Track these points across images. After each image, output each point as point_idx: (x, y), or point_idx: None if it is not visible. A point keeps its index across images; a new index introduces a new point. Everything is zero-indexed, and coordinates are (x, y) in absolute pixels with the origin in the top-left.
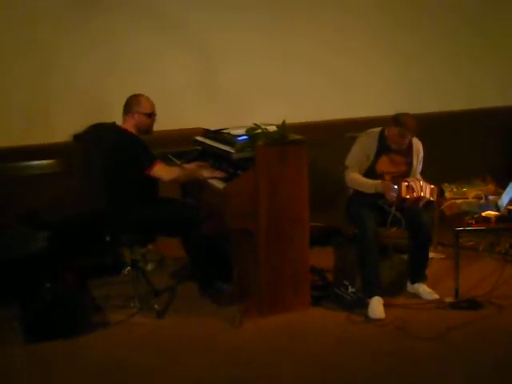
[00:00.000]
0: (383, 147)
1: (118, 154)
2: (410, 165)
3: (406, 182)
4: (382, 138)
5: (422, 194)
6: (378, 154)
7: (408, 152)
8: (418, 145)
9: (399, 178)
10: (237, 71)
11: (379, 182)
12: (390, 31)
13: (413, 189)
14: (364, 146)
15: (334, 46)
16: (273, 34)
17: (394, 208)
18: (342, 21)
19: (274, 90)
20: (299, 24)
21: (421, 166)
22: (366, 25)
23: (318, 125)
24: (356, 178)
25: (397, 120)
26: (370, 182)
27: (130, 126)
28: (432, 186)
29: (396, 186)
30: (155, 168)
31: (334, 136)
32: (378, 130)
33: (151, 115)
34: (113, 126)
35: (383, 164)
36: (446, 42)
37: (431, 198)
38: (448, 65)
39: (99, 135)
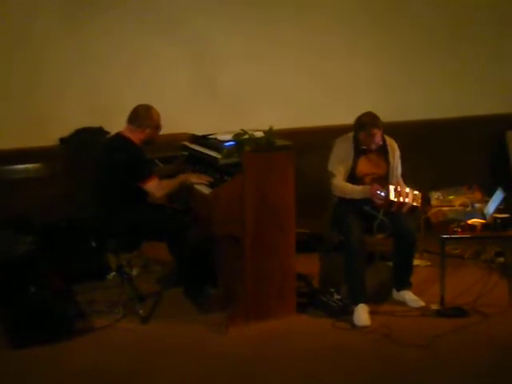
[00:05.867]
0: (360, 149)
1: (118, 161)
2: (388, 163)
3: (393, 186)
4: (356, 140)
5: (407, 200)
6: (356, 156)
7: (384, 150)
8: (391, 142)
9: (381, 180)
10: (226, 77)
11: (367, 186)
12: (378, 37)
13: (400, 193)
14: (342, 150)
15: (321, 51)
16: (259, 39)
17: (381, 212)
18: (329, 26)
19: (261, 96)
20: (285, 29)
21: (400, 167)
22: (355, 30)
23: (305, 131)
24: (342, 186)
25: (358, 125)
26: (358, 188)
27: (136, 137)
28: (416, 192)
29: (382, 192)
30: (149, 183)
31: (320, 142)
32: (350, 134)
33: (159, 127)
34: (116, 134)
35: (363, 165)
36: (434, 48)
37: (414, 204)
38: (436, 72)
39: (90, 140)
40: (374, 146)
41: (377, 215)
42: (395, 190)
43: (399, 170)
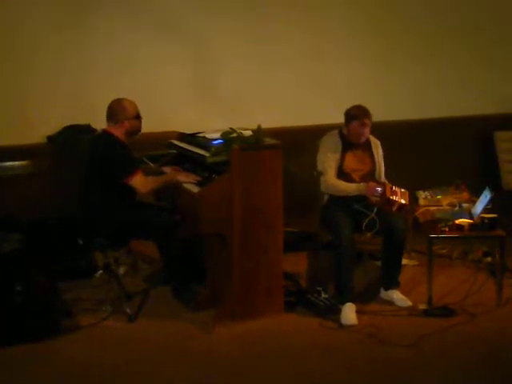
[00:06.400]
0: (346, 144)
1: (103, 158)
2: (373, 160)
3: (388, 184)
4: (342, 136)
5: (397, 198)
6: (343, 152)
7: (368, 147)
8: (375, 140)
9: (369, 177)
10: (215, 76)
11: (362, 184)
12: (369, 37)
13: (395, 192)
14: (330, 147)
15: (314, 51)
16: (248, 38)
17: (374, 210)
18: (323, 27)
19: (249, 94)
20: (275, 28)
21: (383, 167)
22: (349, 32)
23: (294, 130)
24: (336, 183)
25: (350, 115)
26: (353, 185)
27: (119, 133)
28: (403, 190)
29: (379, 188)
30: (135, 178)
31: (309, 141)
32: (335, 130)
33: (139, 116)
34: (101, 131)
35: (350, 161)
36: (424, 49)
37: (402, 201)
38: (425, 72)
39: (77, 137)
40: (363, 139)
41: (368, 213)
42: (391, 188)
43: (383, 168)
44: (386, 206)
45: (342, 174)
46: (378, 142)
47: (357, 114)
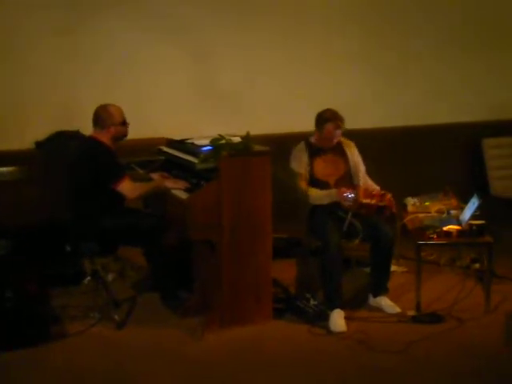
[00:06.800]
0: (313, 152)
1: (90, 164)
2: (347, 162)
3: (361, 188)
4: (308, 145)
5: (372, 202)
6: (311, 159)
7: (340, 150)
8: (346, 141)
9: (345, 180)
10: (204, 83)
11: (333, 190)
12: (360, 43)
13: (371, 194)
14: (298, 158)
15: (299, 56)
16: (235, 45)
17: (350, 214)
18: (308, 32)
19: (238, 101)
20: (261, 35)
21: (363, 165)
22: (336, 38)
23: (283, 136)
24: (309, 194)
25: (324, 118)
26: (324, 192)
27: (105, 138)
28: (383, 192)
29: (351, 194)
30: (122, 184)
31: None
32: (301, 142)
33: (125, 122)
34: (87, 137)
35: (320, 167)
36: (414, 56)
37: (381, 204)
38: (414, 79)
39: (65, 143)
40: (335, 141)
41: (345, 217)
42: (364, 191)
43: (362, 168)
44: (364, 211)
45: (315, 181)
46: (352, 143)
47: (330, 116)
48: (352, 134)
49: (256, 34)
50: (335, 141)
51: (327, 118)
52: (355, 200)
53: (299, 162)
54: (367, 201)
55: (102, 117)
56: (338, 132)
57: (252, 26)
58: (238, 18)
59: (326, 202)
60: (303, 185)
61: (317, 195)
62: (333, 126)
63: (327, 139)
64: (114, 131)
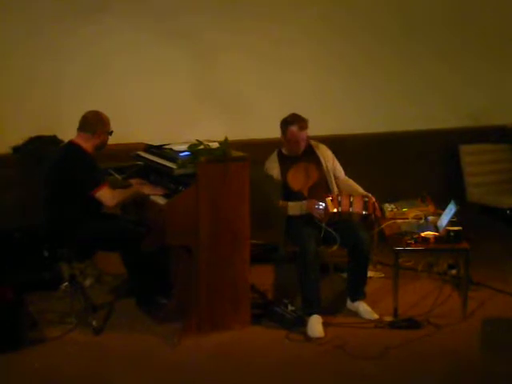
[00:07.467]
0: (285, 163)
1: (69, 170)
2: (320, 168)
3: (331, 196)
4: (280, 156)
5: (351, 210)
6: (283, 172)
7: (311, 155)
8: (316, 144)
9: (320, 187)
10: (180, 85)
11: (304, 202)
12: (340, 48)
13: (339, 202)
14: (270, 171)
15: (286, 63)
16: (218, 48)
17: (324, 224)
18: (295, 38)
19: (217, 106)
20: (243, 39)
21: (340, 168)
22: (317, 43)
23: (261, 142)
24: (282, 207)
25: (287, 121)
26: (295, 204)
27: (89, 145)
28: (366, 199)
29: (322, 203)
30: (100, 191)
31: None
32: (274, 153)
33: (111, 132)
34: (68, 142)
35: (293, 178)
36: (393, 62)
37: (364, 212)
38: (392, 85)
39: (43, 148)
40: (302, 145)
41: (321, 225)
42: (332, 200)
43: (339, 171)
44: (338, 218)
45: (290, 193)
46: (324, 146)
47: (293, 119)
48: (330, 140)
49: (235, 36)
50: (303, 144)
51: (289, 121)
52: (326, 211)
53: (275, 172)
54: (339, 210)
55: (93, 122)
56: (303, 134)
57: (234, 30)
58: (223, 21)
59: (297, 213)
60: (278, 200)
61: (288, 207)
62: (296, 127)
63: (293, 143)
64: (102, 139)
